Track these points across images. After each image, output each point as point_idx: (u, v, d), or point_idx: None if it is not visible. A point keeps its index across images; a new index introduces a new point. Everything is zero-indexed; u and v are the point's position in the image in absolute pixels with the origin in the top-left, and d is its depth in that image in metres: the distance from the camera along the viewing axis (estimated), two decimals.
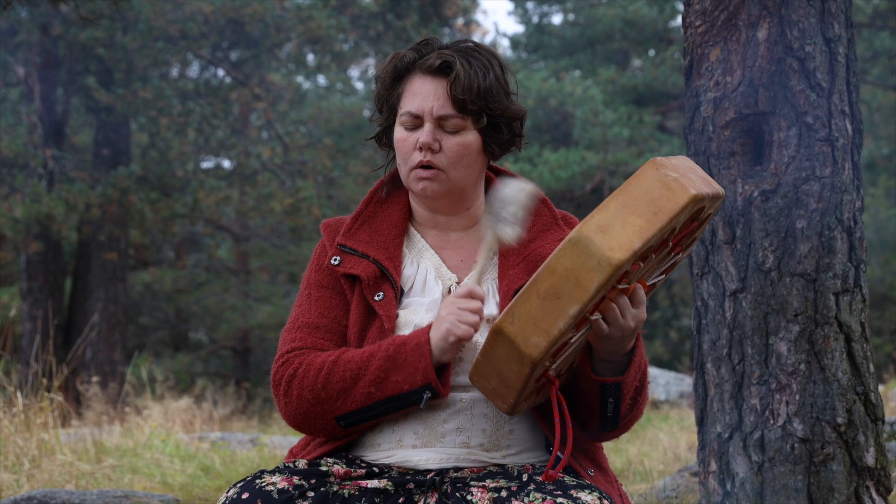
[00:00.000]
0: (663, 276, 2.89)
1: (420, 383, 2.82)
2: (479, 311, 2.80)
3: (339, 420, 2.89)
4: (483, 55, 2.99)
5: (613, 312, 2.75)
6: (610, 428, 2.95)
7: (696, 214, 2.72)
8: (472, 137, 2.97)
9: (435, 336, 2.82)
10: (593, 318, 2.72)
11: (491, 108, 2.97)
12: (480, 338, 2.90)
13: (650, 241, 2.57)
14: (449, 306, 2.81)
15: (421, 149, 2.96)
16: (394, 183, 3.16)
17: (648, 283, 2.83)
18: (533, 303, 2.59)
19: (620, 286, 2.71)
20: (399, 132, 3.01)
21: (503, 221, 2.82)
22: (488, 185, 3.13)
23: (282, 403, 2.95)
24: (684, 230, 2.74)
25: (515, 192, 2.82)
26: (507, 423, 2.93)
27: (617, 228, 2.55)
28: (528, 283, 2.60)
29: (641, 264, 2.67)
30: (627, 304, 2.76)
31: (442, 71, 2.95)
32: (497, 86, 2.97)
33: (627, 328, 2.78)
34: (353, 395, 2.86)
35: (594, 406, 2.92)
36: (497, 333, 2.63)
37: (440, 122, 2.95)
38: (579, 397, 2.93)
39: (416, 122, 2.97)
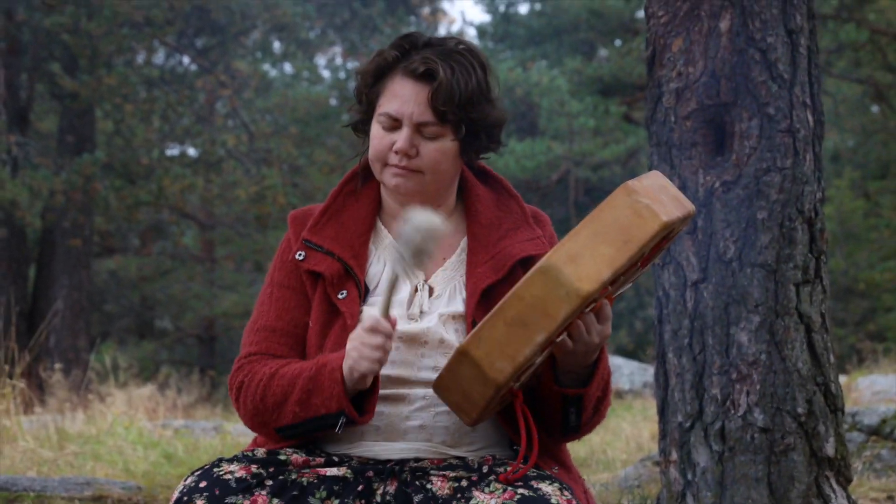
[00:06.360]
0: (629, 284, 2.89)
1: (335, 409, 2.80)
2: (381, 347, 2.73)
3: (278, 431, 2.90)
4: (466, 58, 2.93)
5: (579, 330, 2.73)
6: (572, 433, 2.94)
7: (666, 235, 2.72)
8: (449, 144, 2.94)
9: (345, 368, 2.78)
10: (559, 339, 2.72)
11: (471, 117, 2.93)
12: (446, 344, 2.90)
13: (620, 270, 2.57)
14: (353, 341, 2.76)
15: (397, 152, 2.93)
16: (365, 174, 3.12)
17: (614, 296, 2.83)
18: (499, 328, 2.57)
19: (588, 309, 2.71)
20: (376, 129, 2.97)
21: (406, 261, 2.74)
22: (462, 181, 3.12)
23: (235, 406, 2.98)
24: (654, 250, 2.73)
25: (415, 233, 2.69)
26: None
27: (586, 258, 2.54)
28: (496, 307, 2.59)
29: (610, 288, 2.67)
30: (594, 321, 2.76)
31: (424, 77, 2.90)
32: (478, 92, 2.92)
33: (592, 344, 2.77)
34: (284, 411, 2.86)
35: (556, 414, 2.91)
36: (463, 355, 2.62)
37: (419, 127, 2.92)
38: (541, 404, 2.93)
39: (395, 124, 2.93)
